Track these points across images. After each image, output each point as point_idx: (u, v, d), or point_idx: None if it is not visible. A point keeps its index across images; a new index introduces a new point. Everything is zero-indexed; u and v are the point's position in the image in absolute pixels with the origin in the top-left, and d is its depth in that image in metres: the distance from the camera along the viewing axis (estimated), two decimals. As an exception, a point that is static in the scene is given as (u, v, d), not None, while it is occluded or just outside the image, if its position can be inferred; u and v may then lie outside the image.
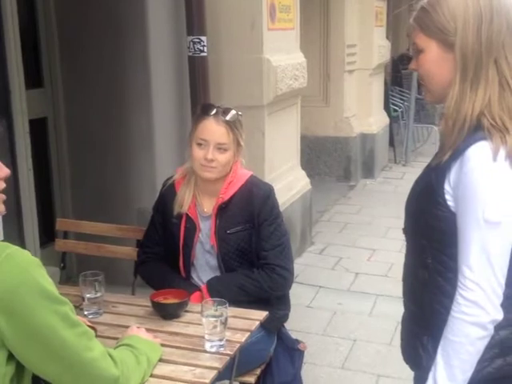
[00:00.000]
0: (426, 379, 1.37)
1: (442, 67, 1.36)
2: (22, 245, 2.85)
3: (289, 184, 4.41)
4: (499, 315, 1.30)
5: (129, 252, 2.65)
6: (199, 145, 2.15)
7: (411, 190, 1.49)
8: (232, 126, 2.16)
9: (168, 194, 2.28)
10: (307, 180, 4.84)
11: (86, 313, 1.97)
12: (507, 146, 1.28)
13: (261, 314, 1.97)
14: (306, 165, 5.20)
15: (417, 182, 1.48)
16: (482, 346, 1.31)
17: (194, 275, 2.28)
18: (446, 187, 1.34)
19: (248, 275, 2.19)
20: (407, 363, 1.55)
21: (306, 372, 2.73)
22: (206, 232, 2.23)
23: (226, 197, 2.19)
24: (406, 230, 1.52)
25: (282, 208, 2.44)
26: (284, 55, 4.08)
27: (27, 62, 3.00)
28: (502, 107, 1.32)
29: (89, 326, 1.47)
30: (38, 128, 3.55)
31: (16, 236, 2.69)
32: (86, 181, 3.89)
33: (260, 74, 3.83)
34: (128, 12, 3.53)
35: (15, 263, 1.21)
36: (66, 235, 2.79)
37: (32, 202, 2.99)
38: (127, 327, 1.79)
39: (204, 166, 2.15)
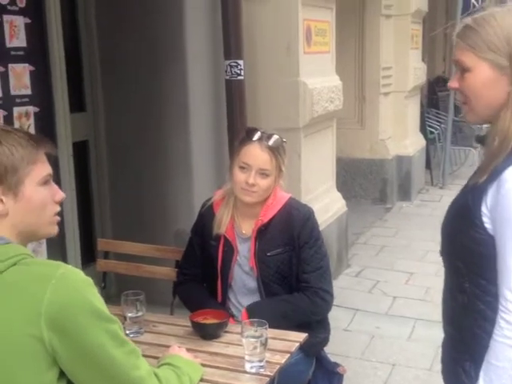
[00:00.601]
0: None
1: (492, 89, 1.33)
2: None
3: (325, 206, 4.40)
4: None
5: (167, 272, 2.68)
6: (242, 168, 2.17)
7: (447, 211, 1.47)
8: (275, 152, 2.17)
9: (206, 216, 2.30)
10: (343, 202, 4.82)
11: (127, 332, 2.00)
12: None
13: (300, 336, 1.96)
14: (342, 187, 5.19)
15: (453, 204, 1.45)
16: None
17: (231, 297, 2.29)
18: (483, 209, 1.32)
19: (289, 301, 2.18)
20: None
21: (344, 396, 2.69)
22: (244, 254, 2.24)
23: (266, 219, 2.20)
24: (442, 253, 1.50)
25: (318, 230, 2.44)
26: (320, 78, 4.11)
27: (70, 87, 3.09)
28: None
29: (131, 345, 1.49)
30: (80, 150, 3.64)
31: (59, 256, 2.74)
32: (125, 202, 3.95)
33: (296, 96, 3.87)
34: (167, 37, 3.62)
35: (69, 282, 1.23)
36: (106, 255, 2.84)
37: (75, 222, 3.06)
38: (168, 347, 1.81)
39: (245, 190, 2.16)
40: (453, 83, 1.40)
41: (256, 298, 2.24)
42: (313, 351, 2.24)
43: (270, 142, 2.16)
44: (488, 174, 1.31)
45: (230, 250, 2.24)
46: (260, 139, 2.16)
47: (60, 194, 1.39)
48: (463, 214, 1.36)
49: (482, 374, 1.33)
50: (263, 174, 2.16)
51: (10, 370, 1.19)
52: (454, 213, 1.43)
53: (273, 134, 2.19)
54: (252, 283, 2.24)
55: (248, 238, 2.24)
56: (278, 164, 2.18)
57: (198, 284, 2.33)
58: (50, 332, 1.19)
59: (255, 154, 2.16)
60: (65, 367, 1.24)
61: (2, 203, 1.29)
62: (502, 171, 1.28)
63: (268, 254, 2.19)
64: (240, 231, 2.26)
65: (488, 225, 1.32)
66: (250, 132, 2.20)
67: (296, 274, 2.20)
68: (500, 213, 1.29)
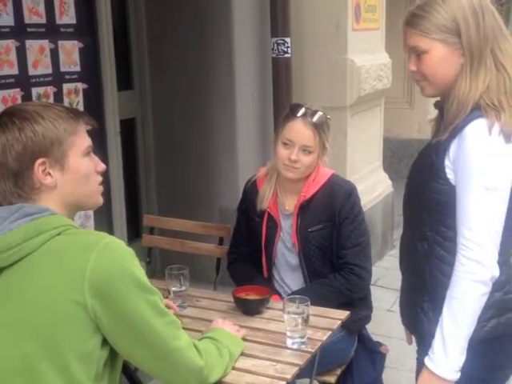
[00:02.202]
0: (427, 343, 1.51)
1: (448, 63, 1.50)
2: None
3: (371, 186, 4.35)
4: (497, 272, 1.44)
5: (211, 249, 2.71)
6: (285, 144, 2.16)
7: (411, 167, 1.65)
8: (319, 129, 2.15)
9: (250, 192, 2.31)
10: (389, 183, 4.76)
11: (171, 305, 2.03)
12: (501, 122, 1.43)
13: (342, 314, 1.96)
14: (388, 167, 5.10)
15: (417, 161, 1.63)
16: (483, 301, 1.45)
17: (275, 274, 2.30)
18: (447, 162, 1.49)
19: (326, 284, 2.18)
20: (407, 329, 1.77)
21: (387, 376, 2.67)
22: (286, 230, 2.24)
23: (308, 195, 2.19)
24: (406, 206, 1.67)
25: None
26: (368, 56, 4.04)
27: (118, 65, 3.12)
28: (500, 90, 1.47)
29: (174, 317, 1.52)
30: (127, 128, 3.69)
31: (105, 231, 2.79)
32: (171, 179, 4.00)
33: (343, 74, 3.81)
34: (213, 14, 3.61)
35: (112, 252, 1.26)
36: (151, 231, 2.89)
37: (121, 198, 3.11)
38: (210, 321, 1.84)
39: (287, 166, 2.15)
40: (411, 66, 1.56)
41: (298, 274, 2.24)
42: (355, 328, 2.24)
43: (314, 119, 2.14)
44: (449, 132, 1.48)
45: (273, 226, 2.24)
46: (304, 115, 2.14)
47: (101, 165, 1.42)
48: (428, 169, 1.53)
49: (444, 308, 1.47)
50: (306, 150, 2.14)
51: (54, 335, 1.22)
52: (419, 169, 1.60)
53: (317, 111, 2.16)
54: (294, 259, 2.24)
55: (291, 214, 2.23)
56: (321, 141, 2.16)
57: (246, 262, 2.35)
58: (92, 299, 1.22)
59: (298, 130, 2.14)
60: (107, 334, 1.27)
61: (50, 176, 1.31)
62: (463, 127, 1.46)
63: (309, 229, 2.18)
64: (283, 207, 2.26)
65: (450, 175, 1.49)
66: (294, 108, 2.18)
67: (336, 250, 2.19)
68: (462, 163, 1.45)
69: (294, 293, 2.16)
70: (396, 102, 6.02)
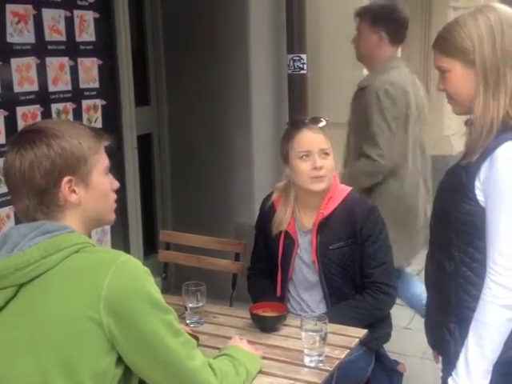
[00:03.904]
0: (453, 363, 1.52)
1: (466, 83, 1.54)
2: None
3: (386, 202, 4.32)
4: None
5: (227, 265, 2.70)
6: (302, 158, 2.15)
7: (439, 188, 1.68)
8: (325, 131, 2.18)
9: (268, 211, 2.30)
10: (405, 199, 4.72)
11: (187, 322, 2.03)
12: None
13: (360, 332, 1.94)
14: (404, 183, 5.08)
15: (445, 181, 1.65)
16: (510, 326, 1.45)
17: (292, 291, 2.28)
18: (477, 183, 1.49)
19: (354, 306, 2.16)
20: (433, 349, 1.76)
21: (404, 395, 2.65)
22: (304, 247, 2.23)
23: (327, 212, 2.18)
24: (433, 225, 1.68)
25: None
26: (384, 72, 4.03)
27: (135, 81, 3.16)
28: None
29: (191, 335, 1.52)
30: (143, 143, 3.72)
31: (122, 246, 2.82)
32: (186, 195, 4.01)
33: (359, 91, 3.81)
34: (230, 31, 3.64)
35: (128, 270, 1.27)
36: (167, 246, 2.89)
37: (138, 213, 3.12)
38: (227, 337, 1.83)
39: (313, 178, 2.14)
40: (439, 86, 1.62)
41: (317, 291, 2.22)
42: (375, 346, 2.22)
43: (319, 124, 2.17)
44: (479, 153, 1.48)
45: (290, 243, 2.24)
46: (307, 124, 2.17)
47: (116, 183, 1.44)
48: (458, 189, 1.53)
49: (470, 331, 1.48)
50: (325, 153, 2.15)
51: (70, 352, 1.22)
52: (448, 188, 1.61)
53: (316, 117, 2.20)
54: (313, 277, 2.22)
55: (308, 230, 2.22)
56: (331, 142, 2.18)
57: (262, 279, 2.35)
58: (108, 317, 1.22)
59: (310, 138, 2.15)
60: (122, 352, 1.27)
61: (75, 193, 1.33)
62: (494, 149, 1.46)
63: (330, 247, 2.17)
64: (301, 224, 2.25)
65: (480, 197, 1.49)
66: (296, 122, 2.22)
67: (359, 268, 2.18)
68: (492, 185, 1.46)
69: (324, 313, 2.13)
70: (411, 117, 5.99)
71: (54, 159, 1.29)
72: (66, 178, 1.31)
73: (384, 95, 2.78)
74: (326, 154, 2.15)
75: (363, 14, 2.98)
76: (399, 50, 4.38)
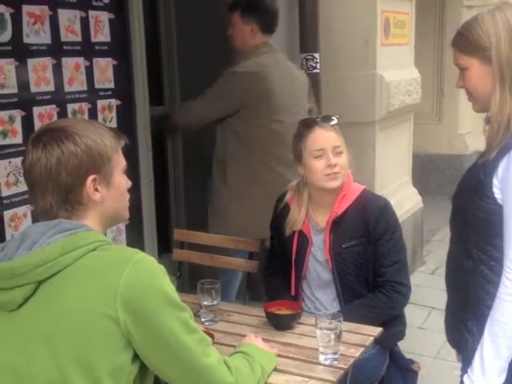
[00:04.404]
0: (471, 360, 1.51)
1: (484, 79, 1.54)
2: (142, 253, 2.98)
3: (400, 202, 4.31)
4: None
5: (242, 263, 2.71)
6: (316, 157, 2.16)
7: (458, 185, 1.67)
8: (338, 128, 2.19)
9: (283, 212, 2.31)
10: (419, 198, 4.72)
11: (202, 320, 2.05)
12: None
13: (374, 330, 1.95)
14: (417, 183, 5.07)
15: (464, 179, 1.65)
16: None
17: (306, 289, 2.29)
18: (494, 181, 1.49)
19: (368, 305, 2.16)
20: (453, 347, 1.74)
21: (418, 394, 2.64)
22: (318, 245, 2.24)
23: (340, 210, 2.18)
24: (452, 223, 1.68)
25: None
26: (397, 71, 4.03)
27: (150, 81, 3.17)
28: None
29: (206, 333, 1.53)
30: (157, 143, 3.73)
31: (136, 245, 2.82)
32: (200, 194, 4.01)
33: (373, 89, 3.81)
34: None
35: (144, 268, 1.28)
36: (181, 245, 2.90)
37: (152, 212, 3.13)
38: (242, 335, 1.84)
39: (328, 176, 2.15)
40: (458, 83, 1.64)
41: (331, 290, 2.23)
42: (389, 344, 2.22)
43: (331, 122, 2.18)
44: (497, 151, 1.48)
45: (304, 241, 2.24)
46: (319, 123, 2.18)
47: (129, 182, 1.46)
48: (475, 187, 1.53)
49: (486, 329, 1.48)
50: (338, 151, 2.16)
51: (87, 348, 1.24)
52: (466, 186, 1.61)
53: (328, 115, 2.21)
54: (326, 275, 2.23)
55: (322, 229, 2.23)
56: (344, 140, 2.19)
57: (279, 278, 2.35)
58: (124, 314, 1.23)
59: (323, 136, 2.16)
60: (138, 349, 1.28)
61: (99, 192, 1.34)
62: (511, 147, 1.46)
63: (343, 245, 2.17)
64: (315, 223, 2.25)
65: (498, 195, 1.49)
66: (307, 122, 2.23)
67: (373, 267, 2.18)
68: (509, 183, 1.46)
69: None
70: (425, 117, 5.98)
71: (82, 157, 1.30)
72: (91, 177, 1.32)
73: (243, 76, 2.93)
74: (340, 151, 2.16)
75: (234, 7, 3.11)
76: (412, 54, 4.40)
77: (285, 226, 2.26)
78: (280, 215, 2.32)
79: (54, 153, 1.30)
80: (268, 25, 3.09)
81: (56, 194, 1.32)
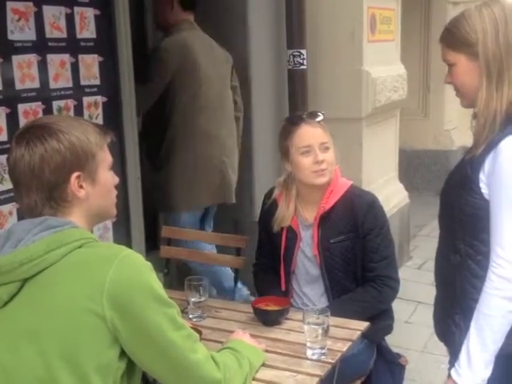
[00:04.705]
0: (458, 354, 1.52)
1: (471, 75, 1.55)
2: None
3: (386, 197, 4.33)
4: None
5: (229, 260, 2.72)
6: (303, 154, 2.16)
7: (446, 181, 1.68)
8: (324, 124, 2.19)
9: (271, 208, 2.31)
10: (405, 193, 4.74)
11: (190, 316, 2.05)
12: None
13: (361, 324, 1.96)
14: (404, 178, 5.10)
15: (452, 174, 1.66)
16: (511, 318, 1.47)
17: (294, 285, 2.30)
18: (481, 176, 1.50)
19: (357, 299, 2.17)
20: (441, 340, 1.74)
21: (406, 388, 2.67)
22: (306, 241, 2.24)
23: (328, 206, 2.19)
24: (440, 218, 1.69)
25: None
26: (384, 67, 4.05)
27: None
28: None
29: (194, 329, 1.53)
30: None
31: (124, 242, 2.82)
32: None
33: (359, 86, 3.82)
34: (229, 27, 3.64)
35: (130, 264, 1.28)
36: (169, 242, 2.90)
37: (139, 209, 3.12)
38: (230, 331, 1.85)
39: (315, 172, 2.15)
40: (446, 79, 1.64)
41: (319, 285, 2.24)
42: (377, 338, 2.24)
43: (317, 118, 2.18)
44: (483, 146, 1.49)
45: (293, 236, 2.25)
46: (305, 119, 2.18)
47: (116, 178, 1.45)
48: (462, 183, 1.55)
49: (473, 322, 1.50)
50: (325, 147, 2.16)
51: (73, 345, 1.23)
52: (453, 182, 1.62)
53: (314, 111, 2.22)
54: (315, 270, 2.24)
55: (310, 224, 2.23)
56: (330, 135, 2.19)
57: (268, 274, 2.36)
58: (111, 310, 1.23)
59: (310, 132, 2.16)
60: (125, 346, 1.28)
61: (83, 189, 1.34)
62: (498, 142, 1.47)
63: (331, 240, 2.18)
64: (303, 218, 2.26)
65: (484, 190, 1.50)
66: (293, 118, 2.23)
67: (361, 262, 2.19)
68: (496, 178, 1.47)
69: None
70: (411, 112, 6.01)
71: (65, 154, 1.30)
72: (75, 174, 1.32)
73: (165, 50, 3.10)
74: (327, 147, 2.16)
75: None
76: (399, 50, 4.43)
77: (273, 222, 2.27)
78: (268, 211, 2.32)
79: (37, 150, 1.29)
80: (188, 1, 3.25)
81: (40, 192, 1.31)
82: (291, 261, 2.25)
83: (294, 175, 2.22)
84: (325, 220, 2.19)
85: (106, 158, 1.39)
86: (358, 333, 1.90)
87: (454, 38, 1.56)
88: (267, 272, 2.36)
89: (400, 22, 4.42)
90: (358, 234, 2.18)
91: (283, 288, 2.28)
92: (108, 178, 1.40)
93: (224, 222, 3.76)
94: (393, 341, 2.47)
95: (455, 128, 6.44)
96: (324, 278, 2.20)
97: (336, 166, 2.23)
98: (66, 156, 1.30)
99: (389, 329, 2.30)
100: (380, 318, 2.21)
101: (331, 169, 2.18)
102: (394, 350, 2.41)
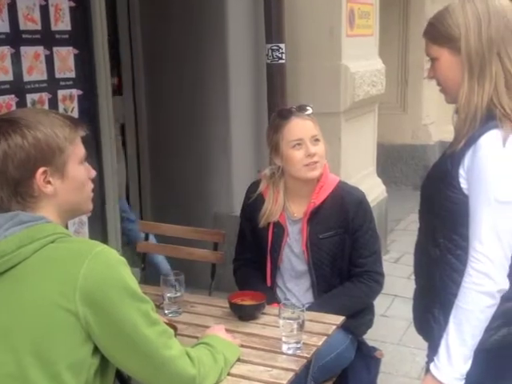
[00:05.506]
0: (437, 348, 1.51)
1: (454, 70, 1.54)
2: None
3: (364, 191, 4.32)
4: (506, 285, 1.45)
5: (206, 254, 2.70)
6: (294, 147, 2.14)
7: (427, 175, 1.67)
8: (313, 117, 2.18)
9: (256, 202, 2.26)
10: (383, 188, 4.77)
11: (166, 311, 2.03)
12: None
13: (337, 319, 1.96)
14: (382, 173, 5.13)
15: (433, 169, 1.65)
16: (490, 313, 1.46)
17: (278, 280, 2.28)
18: (461, 172, 1.50)
19: (346, 294, 2.18)
20: (420, 335, 1.73)
21: (381, 381, 2.67)
22: (294, 236, 2.22)
23: (318, 201, 2.17)
24: (421, 212, 1.69)
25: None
26: (362, 61, 4.06)
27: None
28: (510, 96, 1.48)
29: (169, 325, 1.52)
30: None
31: (100, 237, 2.80)
32: (165, 185, 4.00)
33: (338, 80, 3.82)
34: (208, 21, 3.62)
35: (104, 260, 1.26)
36: (146, 237, 2.88)
37: (115, 204, 3.10)
38: (205, 327, 1.84)
39: (307, 166, 2.13)
40: (429, 73, 1.62)
41: (304, 281, 2.23)
42: (360, 332, 2.25)
43: (307, 112, 2.17)
44: (464, 141, 1.49)
45: (280, 231, 2.22)
46: (296, 113, 2.16)
47: (93, 171, 1.43)
48: (442, 177, 1.55)
49: (451, 317, 1.49)
50: (316, 140, 2.15)
51: (45, 342, 1.22)
52: (434, 176, 1.62)
53: (303, 105, 2.20)
54: (301, 266, 2.22)
55: (298, 220, 2.22)
56: (319, 128, 2.18)
57: (251, 269, 2.33)
58: (84, 307, 1.22)
59: (300, 126, 2.15)
60: (98, 342, 1.27)
61: (50, 184, 1.32)
62: (477, 138, 1.47)
63: (320, 236, 2.17)
64: (291, 213, 2.24)
65: (464, 185, 1.50)
66: (284, 112, 2.20)
67: (348, 257, 2.19)
68: (475, 174, 1.46)
69: (314, 304, 2.14)
70: (390, 107, 6.04)
71: (29, 150, 1.28)
72: (40, 170, 1.30)
73: None
74: (317, 140, 2.15)
75: None
76: (377, 45, 4.44)
77: (259, 216, 2.24)
78: (252, 205, 2.27)
79: (1, 146, 1.27)
80: None
81: (5, 187, 1.29)
82: (278, 256, 2.23)
83: (284, 169, 2.20)
84: (314, 216, 2.17)
85: (76, 152, 1.36)
86: (334, 327, 1.90)
87: (438, 32, 1.55)
88: (250, 267, 2.33)
89: (378, 16, 4.43)
90: (347, 229, 2.17)
91: (269, 283, 2.26)
92: (79, 172, 1.37)
93: (203, 216, 3.76)
94: (369, 334, 2.49)
95: (433, 122, 6.50)
96: (311, 273, 2.19)
97: (325, 161, 2.21)
98: (30, 152, 1.28)
99: (370, 323, 2.32)
100: (364, 313, 2.23)
101: (322, 162, 2.16)
102: (371, 343, 2.43)
